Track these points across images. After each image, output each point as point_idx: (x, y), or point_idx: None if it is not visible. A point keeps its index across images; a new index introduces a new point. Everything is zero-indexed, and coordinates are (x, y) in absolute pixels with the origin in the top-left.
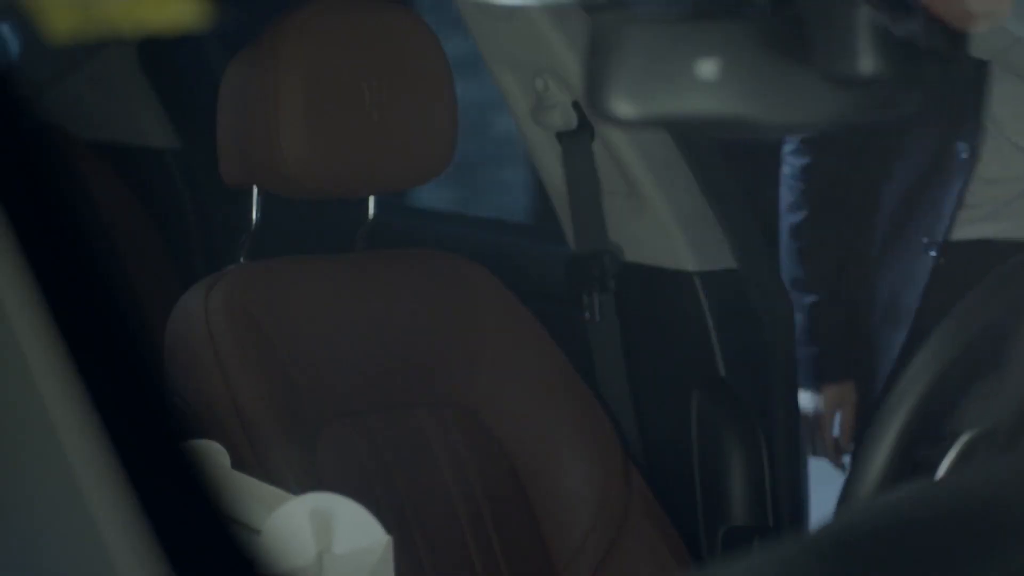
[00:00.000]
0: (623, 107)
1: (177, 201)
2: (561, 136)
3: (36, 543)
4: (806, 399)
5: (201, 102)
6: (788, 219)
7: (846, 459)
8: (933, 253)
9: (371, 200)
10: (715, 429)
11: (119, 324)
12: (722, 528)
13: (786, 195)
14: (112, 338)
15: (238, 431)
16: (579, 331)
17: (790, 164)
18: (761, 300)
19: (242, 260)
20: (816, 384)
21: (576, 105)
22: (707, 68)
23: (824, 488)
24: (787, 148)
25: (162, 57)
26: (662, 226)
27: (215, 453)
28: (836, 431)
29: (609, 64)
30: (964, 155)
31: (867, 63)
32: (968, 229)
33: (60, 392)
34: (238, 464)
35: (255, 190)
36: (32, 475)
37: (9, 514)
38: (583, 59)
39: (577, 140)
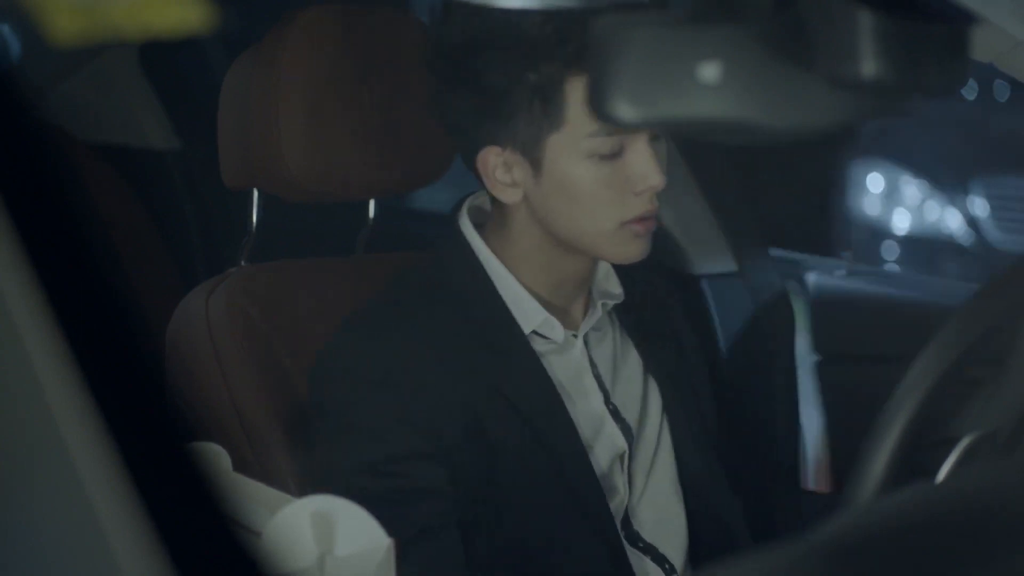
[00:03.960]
0: (625, 110)
1: (178, 203)
2: None
3: (41, 546)
4: None
5: (202, 104)
6: None
7: None
8: None
9: (371, 202)
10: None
11: (121, 327)
12: None
13: None
14: (114, 341)
15: (239, 434)
16: None
17: None
18: (762, 302)
19: (243, 263)
20: None
21: None
22: (709, 71)
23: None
24: None
25: (163, 59)
26: (663, 229)
27: (216, 455)
28: None
29: (611, 67)
30: None
31: (869, 66)
32: None
33: (64, 395)
34: (239, 467)
35: (255, 193)
36: (36, 477)
37: (14, 516)
38: (585, 62)
39: None
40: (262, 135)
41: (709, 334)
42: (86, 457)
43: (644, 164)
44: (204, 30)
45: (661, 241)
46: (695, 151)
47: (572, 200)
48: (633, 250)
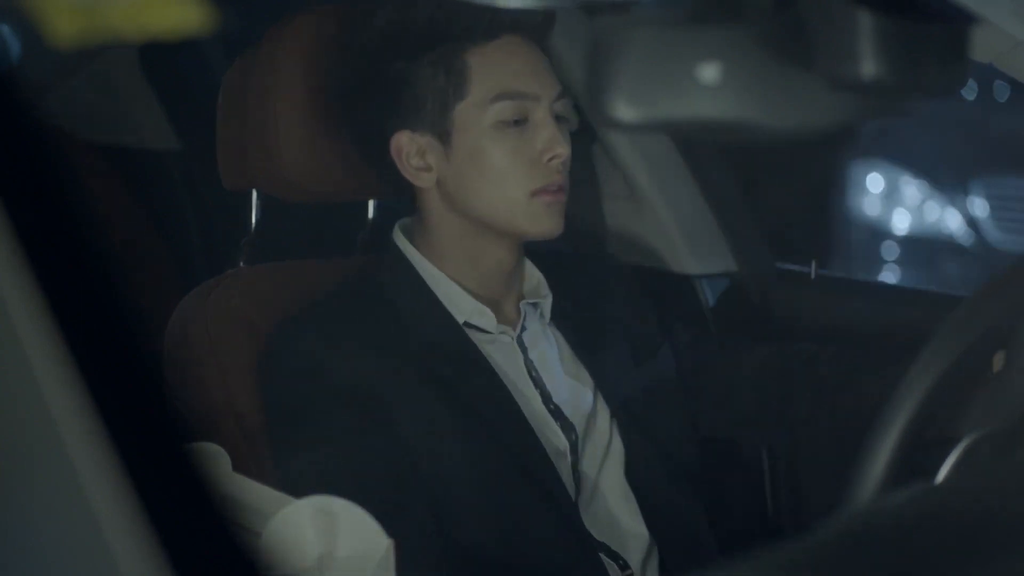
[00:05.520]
0: (624, 110)
1: (178, 204)
2: None
3: (41, 546)
4: None
5: (202, 105)
6: None
7: None
8: None
9: (370, 203)
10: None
11: (120, 328)
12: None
13: None
14: (113, 342)
15: (238, 435)
16: None
17: None
18: (761, 301)
19: (242, 264)
20: None
21: (577, 108)
22: (708, 71)
23: None
24: None
25: (163, 60)
26: (663, 229)
27: (216, 456)
28: None
29: (610, 67)
30: None
31: (869, 66)
32: None
33: (63, 396)
34: (238, 467)
35: (254, 194)
36: (36, 477)
37: (14, 516)
38: (584, 62)
39: (578, 143)
40: (261, 136)
41: (702, 333)
42: (86, 457)
43: (548, 132)
44: (203, 31)
45: (660, 241)
46: (695, 151)
47: (482, 171)
48: (548, 224)
